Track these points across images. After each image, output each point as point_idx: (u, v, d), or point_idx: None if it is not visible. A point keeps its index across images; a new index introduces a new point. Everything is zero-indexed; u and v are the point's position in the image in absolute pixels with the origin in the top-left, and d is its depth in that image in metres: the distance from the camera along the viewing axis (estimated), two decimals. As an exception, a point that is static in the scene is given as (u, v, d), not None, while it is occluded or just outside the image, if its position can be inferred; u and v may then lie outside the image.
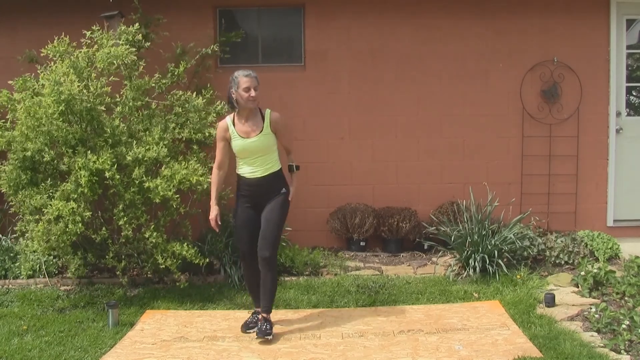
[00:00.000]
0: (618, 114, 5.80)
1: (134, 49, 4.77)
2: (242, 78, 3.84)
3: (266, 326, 3.91)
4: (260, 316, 4.00)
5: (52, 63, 4.75)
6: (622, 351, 3.56)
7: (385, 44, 5.72)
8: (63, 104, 4.38)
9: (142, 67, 4.92)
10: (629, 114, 5.92)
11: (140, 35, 5.01)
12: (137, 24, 4.94)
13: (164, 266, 4.60)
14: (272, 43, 5.92)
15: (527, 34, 5.71)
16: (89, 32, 4.84)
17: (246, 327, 4.06)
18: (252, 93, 3.83)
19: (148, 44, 5.36)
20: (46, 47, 4.79)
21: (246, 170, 3.96)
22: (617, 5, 5.66)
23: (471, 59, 5.74)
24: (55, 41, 4.79)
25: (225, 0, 5.78)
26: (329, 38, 5.73)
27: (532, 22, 5.70)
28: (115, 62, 4.61)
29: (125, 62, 4.68)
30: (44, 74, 4.62)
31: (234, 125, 3.95)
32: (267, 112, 3.97)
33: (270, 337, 3.87)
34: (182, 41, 5.38)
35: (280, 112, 5.69)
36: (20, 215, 4.65)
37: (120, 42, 4.81)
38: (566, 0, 5.69)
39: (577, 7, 5.68)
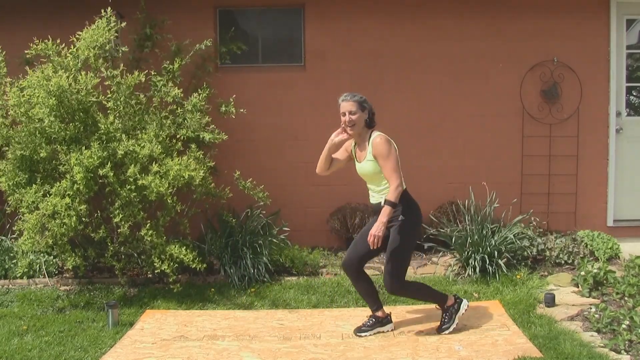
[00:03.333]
0: (618, 114, 5.80)
1: (112, 28, 4.79)
2: (340, 103, 3.83)
3: (443, 319, 3.96)
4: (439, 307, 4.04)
5: (42, 64, 4.75)
6: (622, 351, 3.55)
7: (386, 44, 5.72)
8: (54, 98, 4.37)
9: (120, 56, 4.99)
10: (629, 114, 5.92)
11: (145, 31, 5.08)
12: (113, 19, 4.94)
13: (159, 270, 4.59)
14: (272, 43, 5.92)
15: (527, 34, 5.70)
16: (83, 31, 4.83)
17: (358, 330, 3.97)
18: (347, 118, 3.80)
19: (149, 43, 5.36)
20: (30, 48, 4.77)
21: (368, 194, 3.95)
22: (617, 5, 5.66)
23: (471, 59, 5.74)
24: (35, 42, 4.78)
25: (225, 0, 5.78)
26: (329, 38, 5.73)
27: (532, 22, 5.70)
28: (98, 51, 4.68)
29: (102, 41, 4.71)
30: (32, 74, 4.58)
31: (355, 145, 3.96)
32: (372, 136, 3.80)
33: (444, 332, 3.92)
34: (181, 41, 5.38)
35: (280, 112, 5.80)
36: (20, 215, 4.64)
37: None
38: (566, 0, 5.69)
39: (577, 7, 5.68)
